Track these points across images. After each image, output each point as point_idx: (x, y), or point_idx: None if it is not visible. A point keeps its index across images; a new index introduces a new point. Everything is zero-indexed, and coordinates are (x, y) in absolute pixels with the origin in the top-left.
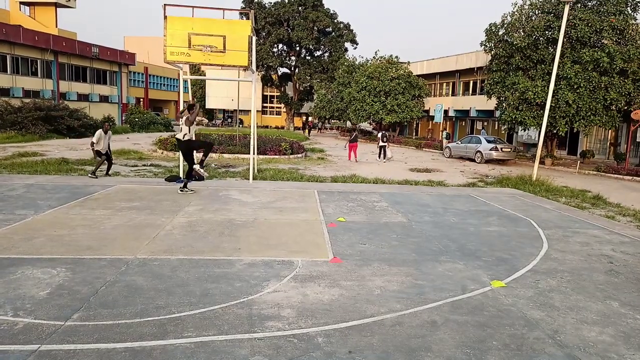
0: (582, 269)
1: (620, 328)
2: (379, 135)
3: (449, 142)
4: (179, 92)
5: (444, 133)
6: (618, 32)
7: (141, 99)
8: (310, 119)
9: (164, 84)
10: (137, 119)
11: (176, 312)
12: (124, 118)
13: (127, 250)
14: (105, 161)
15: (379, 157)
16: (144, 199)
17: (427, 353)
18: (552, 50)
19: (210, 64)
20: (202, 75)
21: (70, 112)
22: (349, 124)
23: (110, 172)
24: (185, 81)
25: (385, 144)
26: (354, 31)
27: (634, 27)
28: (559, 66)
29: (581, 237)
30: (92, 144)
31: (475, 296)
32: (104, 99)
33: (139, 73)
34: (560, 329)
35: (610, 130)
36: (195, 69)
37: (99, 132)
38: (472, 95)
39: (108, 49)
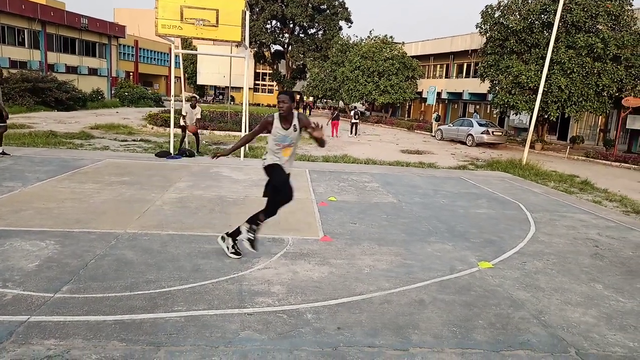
0: (567, 252)
1: (603, 309)
2: (352, 113)
3: (439, 125)
4: (170, 67)
5: (435, 115)
6: (613, 17)
7: (131, 73)
8: (308, 98)
9: (155, 58)
10: (126, 93)
11: (166, 286)
12: (113, 92)
13: (117, 225)
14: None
15: (351, 132)
16: (133, 174)
17: (415, 330)
18: (547, 34)
19: (203, 38)
20: (194, 50)
21: (58, 84)
22: (341, 103)
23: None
24: (176, 56)
25: (357, 121)
26: (349, 9)
27: (629, 13)
28: (553, 51)
29: (568, 221)
30: (183, 117)
31: (463, 276)
32: (93, 71)
33: (129, 46)
34: (545, 309)
35: (600, 117)
36: (186, 43)
37: (187, 105)
38: (465, 78)
39: (97, 21)
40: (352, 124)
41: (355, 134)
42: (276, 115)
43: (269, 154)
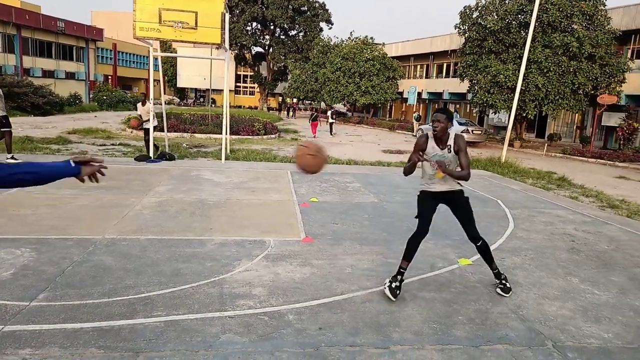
0: (545, 247)
1: (579, 303)
2: (329, 113)
3: (420, 125)
4: (149, 70)
5: (415, 115)
6: (587, 17)
7: (109, 77)
8: (294, 100)
9: (134, 61)
10: (105, 97)
11: (145, 291)
12: (91, 96)
13: (94, 230)
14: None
15: (331, 133)
16: (112, 179)
17: (396, 328)
18: (524, 34)
19: (182, 41)
20: (174, 53)
21: (34, 88)
22: (323, 105)
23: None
24: (155, 59)
25: (334, 121)
26: (329, 11)
27: (602, 12)
28: (530, 50)
29: (546, 217)
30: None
31: (443, 273)
32: (71, 75)
33: (107, 49)
34: (523, 304)
35: (577, 114)
36: (166, 46)
37: (139, 105)
38: (445, 78)
39: (74, 24)
40: (330, 123)
41: (331, 133)
42: (430, 134)
43: (423, 179)
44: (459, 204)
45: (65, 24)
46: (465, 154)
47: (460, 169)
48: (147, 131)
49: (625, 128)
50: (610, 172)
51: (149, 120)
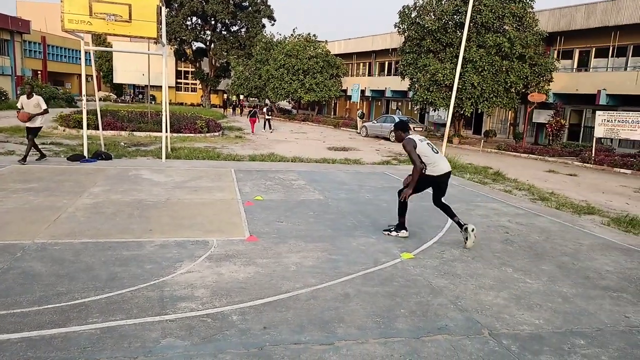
0: (481, 239)
1: (512, 291)
2: (264, 109)
3: (363, 122)
4: (81, 65)
5: (358, 112)
6: (517, 19)
7: (39, 72)
8: (241, 97)
9: (65, 56)
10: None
11: (80, 298)
12: (19, 92)
13: (23, 235)
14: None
15: (264, 128)
16: (42, 180)
17: (340, 324)
18: (459, 34)
19: (115, 34)
20: (109, 47)
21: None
22: (267, 102)
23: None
24: (88, 53)
25: (270, 117)
26: (271, 7)
27: (531, 15)
28: (465, 50)
29: (482, 210)
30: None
31: (386, 268)
32: None
33: (35, 43)
34: (461, 294)
35: (510, 112)
36: (100, 39)
37: (23, 97)
38: (387, 75)
39: None
40: (266, 119)
41: (270, 128)
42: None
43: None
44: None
45: None
46: (409, 153)
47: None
48: (31, 130)
49: (553, 125)
50: (541, 166)
51: (36, 117)
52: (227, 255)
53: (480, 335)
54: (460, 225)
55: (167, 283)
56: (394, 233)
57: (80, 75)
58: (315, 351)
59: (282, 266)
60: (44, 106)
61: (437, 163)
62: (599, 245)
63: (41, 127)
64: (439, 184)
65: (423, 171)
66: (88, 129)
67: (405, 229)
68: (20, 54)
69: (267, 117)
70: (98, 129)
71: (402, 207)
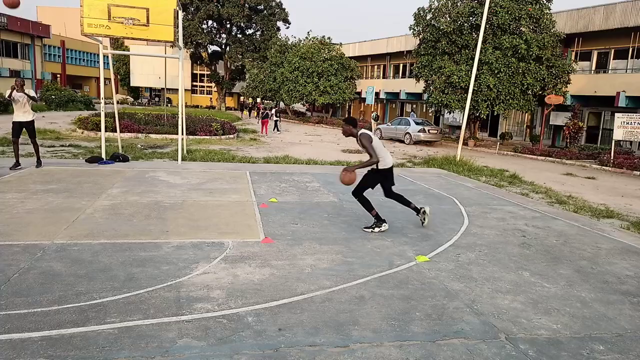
0: (498, 243)
1: (530, 295)
2: (273, 112)
3: (378, 124)
4: (99, 68)
5: (373, 115)
6: (534, 20)
7: (58, 75)
8: (257, 99)
9: (84, 59)
10: (53, 96)
11: (98, 297)
12: (39, 95)
13: (43, 236)
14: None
15: (274, 130)
16: (62, 181)
17: (355, 326)
18: (475, 35)
19: (133, 38)
20: (126, 51)
21: None
22: (281, 104)
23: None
24: (106, 56)
25: (278, 119)
26: (286, 10)
27: (548, 16)
28: (481, 51)
29: (498, 213)
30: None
31: (401, 271)
32: (15, 74)
33: (55, 47)
34: (477, 298)
35: (526, 114)
36: (118, 43)
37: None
38: (402, 78)
39: (18, 19)
40: (274, 121)
41: (278, 130)
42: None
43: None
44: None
45: (8, 19)
46: (367, 147)
47: (369, 157)
48: (28, 126)
49: (571, 127)
50: (558, 169)
51: (27, 112)
52: (242, 257)
53: (497, 340)
54: (417, 210)
55: (184, 284)
56: (376, 229)
57: (98, 78)
58: (330, 353)
59: (297, 268)
60: (33, 93)
61: (386, 158)
62: (618, 249)
63: (34, 121)
64: (387, 176)
65: (376, 165)
66: (106, 131)
67: (384, 221)
68: (41, 57)
69: (275, 118)
70: (116, 132)
71: (365, 203)
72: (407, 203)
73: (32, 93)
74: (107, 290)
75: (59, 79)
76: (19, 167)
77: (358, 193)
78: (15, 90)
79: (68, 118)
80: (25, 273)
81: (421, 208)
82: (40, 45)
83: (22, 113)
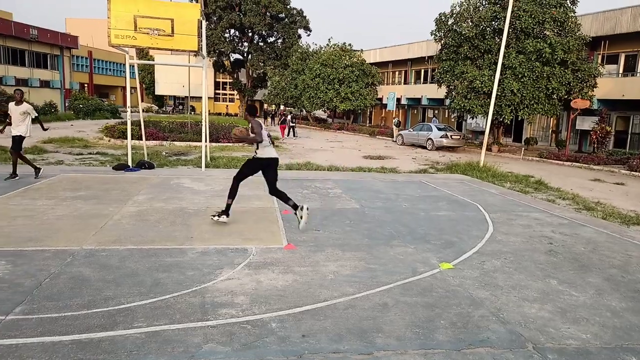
0: (524, 250)
1: (557, 304)
2: (289, 117)
3: (399, 130)
4: (126, 78)
5: (395, 120)
6: (559, 24)
7: (86, 85)
8: (281, 106)
9: (110, 69)
10: (81, 106)
11: (125, 302)
12: (67, 104)
13: (72, 241)
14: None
15: (288, 134)
16: (90, 188)
17: (379, 334)
18: (498, 40)
19: (158, 48)
20: (151, 60)
21: (7, 97)
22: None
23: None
24: (132, 66)
25: (294, 124)
26: (307, 17)
27: (573, 19)
28: (504, 56)
29: (524, 220)
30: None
31: (425, 278)
32: (45, 84)
33: (82, 57)
34: (504, 306)
35: (552, 118)
36: (143, 53)
37: (11, 104)
38: (423, 83)
39: (48, 31)
40: (290, 127)
41: (294, 135)
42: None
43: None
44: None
45: (39, 31)
46: (254, 127)
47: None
48: (15, 140)
49: (598, 132)
50: (586, 174)
51: (20, 125)
52: (265, 263)
53: (524, 349)
54: (295, 207)
55: (208, 289)
56: (215, 218)
57: (124, 87)
58: None
59: (320, 274)
60: (34, 114)
61: (267, 149)
62: None
63: (25, 137)
64: (266, 167)
65: (255, 151)
66: (132, 139)
67: (227, 214)
68: (69, 68)
69: (290, 124)
70: (141, 139)
71: (233, 191)
72: (286, 200)
73: (34, 114)
74: (134, 295)
75: (86, 88)
76: (15, 177)
77: (239, 179)
78: (14, 104)
79: (95, 126)
80: (56, 278)
81: (300, 205)
82: (68, 56)
83: (17, 126)
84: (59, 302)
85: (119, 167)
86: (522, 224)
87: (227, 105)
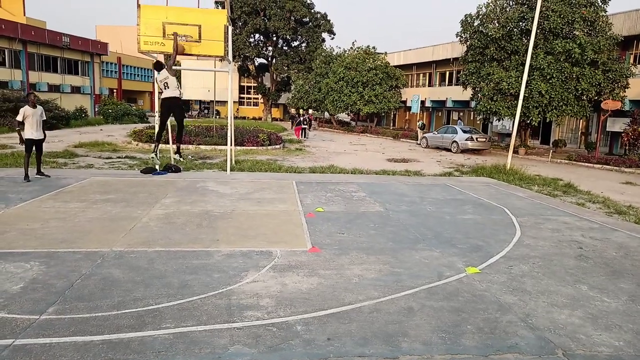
0: (553, 255)
1: (588, 310)
2: (301, 119)
3: (423, 133)
4: (153, 83)
5: (419, 123)
6: (589, 23)
7: (114, 90)
8: (310, 111)
9: (138, 75)
10: (110, 110)
11: (154, 303)
12: (97, 109)
13: (102, 243)
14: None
15: (301, 136)
16: (119, 192)
17: (404, 338)
18: (525, 41)
19: (186, 54)
20: (178, 65)
21: (40, 103)
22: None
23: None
24: None
25: (306, 126)
26: (331, 21)
27: (604, 18)
28: (532, 57)
29: (552, 224)
30: (19, 124)
31: (451, 282)
32: (76, 89)
33: (112, 63)
34: (532, 312)
35: (581, 120)
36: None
37: (25, 108)
38: (448, 85)
39: (79, 39)
40: (302, 129)
41: (305, 137)
42: None
43: None
44: None
45: (71, 39)
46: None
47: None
48: (34, 145)
49: (630, 133)
50: (617, 177)
51: (39, 129)
52: (290, 266)
53: (554, 356)
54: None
55: (234, 292)
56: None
57: (151, 92)
58: None
59: (345, 278)
60: (44, 117)
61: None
62: None
63: (42, 139)
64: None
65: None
66: (160, 143)
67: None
68: (99, 74)
69: (303, 126)
70: (168, 143)
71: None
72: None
73: (44, 117)
74: (162, 296)
75: (115, 93)
76: (28, 180)
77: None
78: (30, 107)
79: (124, 131)
80: (87, 279)
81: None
82: (98, 62)
83: (38, 130)
84: (90, 303)
85: (147, 170)
86: (551, 228)
87: (262, 110)
